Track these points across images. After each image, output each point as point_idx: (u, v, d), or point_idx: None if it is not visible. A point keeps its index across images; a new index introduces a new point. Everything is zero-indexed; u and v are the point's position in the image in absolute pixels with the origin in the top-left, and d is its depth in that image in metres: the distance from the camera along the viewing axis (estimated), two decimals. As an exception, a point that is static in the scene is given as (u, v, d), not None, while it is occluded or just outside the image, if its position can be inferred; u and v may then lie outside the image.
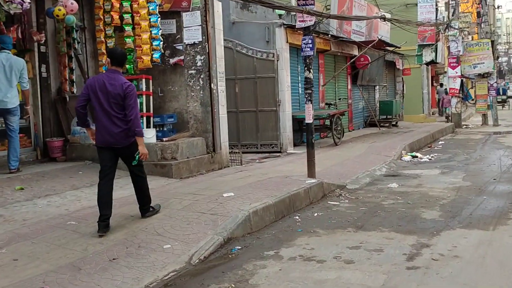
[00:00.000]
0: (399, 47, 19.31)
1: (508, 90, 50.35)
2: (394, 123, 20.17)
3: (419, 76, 26.43)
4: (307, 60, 8.25)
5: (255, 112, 13.06)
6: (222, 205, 6.10)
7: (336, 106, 15.57)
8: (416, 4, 24.97)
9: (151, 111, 9.13)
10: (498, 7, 45.83)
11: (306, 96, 8.31)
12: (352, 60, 16.63)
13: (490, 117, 22.48)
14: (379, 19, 18.52)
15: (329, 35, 14.92)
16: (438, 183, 8.68)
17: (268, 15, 14.71)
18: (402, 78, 23.94)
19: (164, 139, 8.93)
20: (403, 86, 23.89)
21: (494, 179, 8.84)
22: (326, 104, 15.50)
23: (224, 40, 12.84)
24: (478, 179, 8.97)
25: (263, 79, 12.92)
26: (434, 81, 33.74)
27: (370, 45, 16.22)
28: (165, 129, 9.32)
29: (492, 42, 23.00)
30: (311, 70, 8.27)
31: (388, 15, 14.46)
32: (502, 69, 71.69)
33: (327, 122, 13.88)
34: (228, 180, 8.02)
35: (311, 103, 8.26)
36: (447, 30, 21.15)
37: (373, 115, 19.48)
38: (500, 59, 69.46)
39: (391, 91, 23.34)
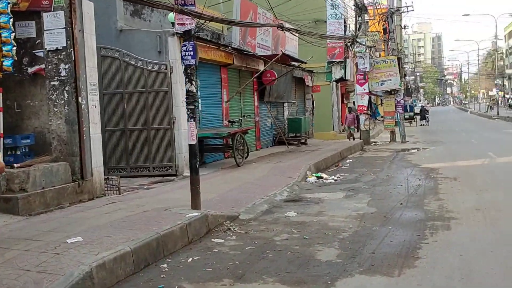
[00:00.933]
0: (305, 62, 18.76)
1: (415, 108, 52.61)
2: (303, 140, 19.49)
3: (328, 93, 26.23)
4: (188, 70, 6.98)
5: (147, 130, 11.55)
6: (57, 258, 4.59)
7: (240, 123, 14.47)
8: (325, 21, 24.92)
9: (1, 131, 7.39)
10: (404, 27, 47.86)
11: (188, 113, 7.02)
12: (256, 75, 15.68)
13: (398, 134, 22.59)
14: (285, 33, 17.87)
15: (230, 47, 13.83)
16: (341, 209, 7.71)
17: (164, 24, 13.36)
18: (312, 95, 23.50)
19: (16, 165, 7.22)
20: (312, 103, 23.44)
21: (401, 204, 8.04)
22: (229, 121, 14.35)
23: (109, 49, 11.39)
24: (384, 204, 8.12)
25: (155, 93, 11.49)
26: (344, 99, 34.02)
27: (274, 59, 15.38)
28: (18, 152, 7.60)
29: (399, 59, 23.28)
30: (193, 82, 7.00)
31: (288, 26, 13.61)
32: (409, 87, 75.46)
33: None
34: (89, 216, 6.48)
35: (194, 120, 6.97)
36: (354, 46, 20.98)
37: (281, 132, 18.65)
38: (407, 77, 73.23)
39: (300, 108, 22.78)
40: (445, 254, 5.08)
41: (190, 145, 7.04)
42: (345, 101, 33.45)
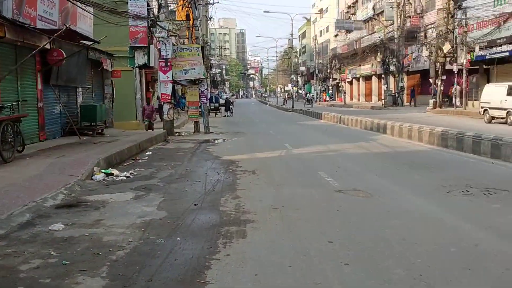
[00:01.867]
0: (98, 42, 16.75)
1: (220, 99, 53.79)
2: (99, 131, 17.51)
3: (131, 80, 24.45)
4: None
5: None
6: None
7: (12, 109, 11.94)
8: (127, 2, 23.00)
9: None
10: (210, 18, 48.35)
11: None
12: (35, 52, 13.19)
13: (202, 125, 22.11)
14: (77, 8, 15.68)
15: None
16: (125, 216, 6.40)
17: None
18: (112, 80, 21.48)
19: None
20: (112, 90, 21.44)
21: (196, 205, 7.09)
22: (-1, 107, 11.73)
23: None
24: (177, 205, 7.08)
25: None
26: (150, 87, 32.57)
27: (56, 34, 13.15)
28: None
29: (203, 48, 22.74)
30: None
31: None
32: (215, 79, 77.31)
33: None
34: None
35: None
36: (156, 31, 19.68)
37: (73, 121, 16.38)
38: (213, 69, 74.86)
39: (99, 94, 20.61)
40: (238, 275, 4.18)
41: None
42: (150, 89, 32.01)
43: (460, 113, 30.16)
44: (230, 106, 41.11)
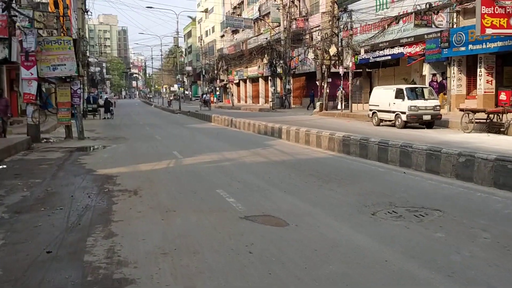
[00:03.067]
0: None
1: (100, 99, 49.78)
2: None
3: (-12, 76, 20.71)
4: None
5: None
6: None
7: None
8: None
9: None
10: (86, 11, 44.30)
11: None
12: None
13: (76, 129, 19.26)
14: None
15: None
16: None
17: None
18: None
19: None
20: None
21: (49, 252, 4.97)
22: None
23: None
24: (21, 254, 4.90)
25: None
26: (15, 86, 28.37)
27: None
28: None
29: (75, 41, 19.83)
30: None
31: None
32: (95, 78, 72.12)
33: None
34: None
35: None
36: (17, 19, 16.54)
37: None
38: (92, 68, 69.64)
39: None
40: None
41: None
42: (15, 89, 27.83)
43: (346, 115, 30.45)
44: (111, 107, 37.78)
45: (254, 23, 55.88)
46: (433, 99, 20.83)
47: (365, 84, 36.46)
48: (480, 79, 23.03)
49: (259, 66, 55.16)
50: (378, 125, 22.36)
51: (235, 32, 64.26)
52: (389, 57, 30.50)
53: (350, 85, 31.66)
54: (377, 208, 6.63)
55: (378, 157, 10.88)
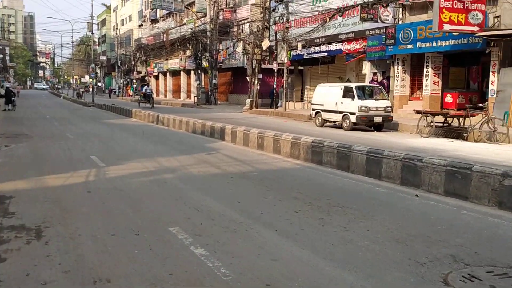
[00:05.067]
0: None
1: (1, 88, 43.79)
2: None
3: None
4: None
5: None
6: None
7: None
8: None
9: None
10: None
11: None
12: None
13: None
14: None
15: None
16: None
17: None
18: None
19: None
20: None
21: None
22: None
23: None
24: None
25: None
26: None
27: None
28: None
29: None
30: None
31: None
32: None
33: None
34: None
35: None
36: None
37: None
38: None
39: None
40: None
41: None
42: None
43: (281, 114, 28.33)
44: (13, 98, 32.72)
45: (172, 15, 52.42)
46: (384, 99, 19.16)
47: (297, 82, 34.69)
48: (426, 80, 21.82)
49: (181, 59, 51.77)
50: (322, 126, 20.36)
51: (155, 21, 60.18)
52: (326, 54, 28.83)
53: (284, 82, 29.58)
54: (442, 268, 4.20)
55: (366, 170, 8.55)
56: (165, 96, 59.69)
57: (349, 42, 26.60)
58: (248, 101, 33.39)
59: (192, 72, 48.73)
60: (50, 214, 5.80)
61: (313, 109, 21.16)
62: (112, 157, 10.94)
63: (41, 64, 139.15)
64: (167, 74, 58.44)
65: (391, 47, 22.83)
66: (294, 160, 10.56)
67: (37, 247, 4.64)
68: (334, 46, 27.73)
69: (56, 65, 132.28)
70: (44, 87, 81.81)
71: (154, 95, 54.15)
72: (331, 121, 20.34)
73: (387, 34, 22.78)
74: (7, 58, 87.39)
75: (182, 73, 53.79)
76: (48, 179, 8.20)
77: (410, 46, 21.75)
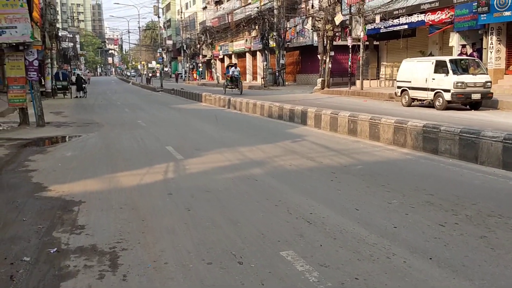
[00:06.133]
0: None
1: (72, 76, 44.66)
2: None
3: None
4: None
5: None
6: None
7: None
8: None
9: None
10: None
11: None
12: None
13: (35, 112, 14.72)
14: None
15: None
16: None
17: None
18: None
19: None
20: None
21: None
22: None
23: None
24: None
25: None
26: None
27: None
28: None
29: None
30: None
31: None
32: (67, 53, 66.37)
33: None
34: None
35: None
36: None
37: None
38: (66, 43, 63.79)
39: None
40: None
41: None
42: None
43: (357, 93, 26.39)
44: (83, 85, 32.93)
45: (239, -6, 51.07)
46: (483, 73, 16.84)
47: (372, 58, 32.38)
48: (528, 51, 19.11)
49: (246, 40, 50.49)
50: (409, 105, 18.36)
51: (219, 2, 59.18)
52: (406, 26, 26.37)
53: (361, 58, 27.49)
54: None
55: (504, 162, 6.80)
56: (231, 78, 58.83)
57: (433, 13, 24.06)
58: (319, 80, 31.60)
59: (258, 53, 47.37)
60: (127, 229, 4.65)
61: (398, 87, 19.16)
62: (189, 147, 9.82)
63: (110, 51, 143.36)
64: (232, 56, 57.49)
65: (484, 15, 20.18)
66: (399, 149, 8.93)
67: (112, 284, 3.45)
68: (415, 18, 25.28)
69: (124, 52, 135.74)
70: (133, 74, 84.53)
71: (220, 78, 53.51)
72: (419, 100, 18.31)
73: (480, 1, 20.16)
74: (78, 46, 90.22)
75: (247, 54, 52.61)
76: (122, 177, 7.14)
77: (507, 13, 19.06)
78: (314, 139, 10.48)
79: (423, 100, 18.18)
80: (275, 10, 39.41)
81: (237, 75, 30.33)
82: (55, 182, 6.79)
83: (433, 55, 24.57)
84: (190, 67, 67.27)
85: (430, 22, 24.44)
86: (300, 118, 13.48)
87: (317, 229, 4.56)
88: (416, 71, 18.00)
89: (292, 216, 4.95)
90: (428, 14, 24.29)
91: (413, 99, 18.37)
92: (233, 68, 30.99)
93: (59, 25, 52.91)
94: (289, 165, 7.71)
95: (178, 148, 9.62)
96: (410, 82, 18.26)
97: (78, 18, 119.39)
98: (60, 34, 49.47)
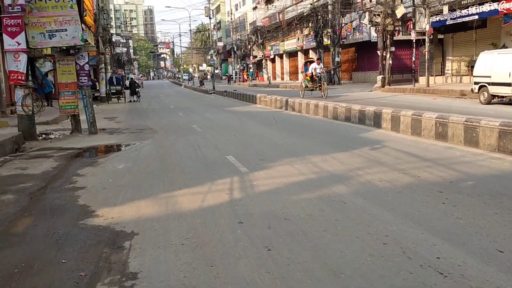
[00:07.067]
0: None
1: (126, 80, 44.78)
2: None
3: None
4: None
5: None
6: None
7: None
8: None
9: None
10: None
11: None
12: None
13: (87, 120, 14.03)
14: None
15: None
16: None
17: None
18: None
19: None
20: None
21: None
22: None
23: None
24: None
25: None
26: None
27: None
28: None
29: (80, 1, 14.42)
30: None
31: None
32: (121, 58, 67.33)
33: None
34: None
35: None
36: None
37: None
38: (119, 49, 64.70)
39: None
40: None
41: None
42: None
43: (423, 91, 24.46)
44: (137, 89, 32.65)
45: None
46: None
47: (436, 53, 30.21)
48: None
49: (298, 39, 49.03)
50: (489, 103, 16.46)
51: (269, 1, 58.05)
52: (476, 17, 24.19)
53: (427, 53, 25.50)
54: None
55: None
56: (282, 79, 57.62)
57: (508, 0, 21.87)
58: (379, 78, 29.77)
59: (311, 51, 45.84)
60: (192, 280, 3.47)
61: (476, 83, 17.27)
62: (252, 156, 8.63)
63: (162, 55, 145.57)
64: (283, 56, 56.23)
65: None
66: (508, 157, 7.35)
67: None
68: (487, 7, 23.13)
69: (175, 55, 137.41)
70: (185, 77, 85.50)
71: (271, 79, 52.16)
72: (500, 97, 16.38)
73: None
74: (131, 51, 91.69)
75: (299, 53, 51.17)
76: (180, 196, 6.02)
77: None
78: (397, 146, 9.03)
79: (503, 97, 16.26)
80: (329, 6, 37.80)
81: (319, 73, 23.19)
82: (104, 204, 5.77)
83: (506, 48, 22.32)
84: (241, 68, 66.53)
85: (505, 11, 22.24)
86: (372, 120, 12.02)
87: (457, 285, 3.21)
88: (497, 64, 16.09)
89: (413, 263, 3.62)
90: (503, 2, 22.14)
91: (493, 96, 16.46)
92: (313, 64, 23.99)
93: (112, 31, 53.44)
94: (379, 180, 6.34)
95: (240, 157, 8.46)
96: (490, 77, 16.37)
97: (131, 24, 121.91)
98: (113, 39, 49.95)
